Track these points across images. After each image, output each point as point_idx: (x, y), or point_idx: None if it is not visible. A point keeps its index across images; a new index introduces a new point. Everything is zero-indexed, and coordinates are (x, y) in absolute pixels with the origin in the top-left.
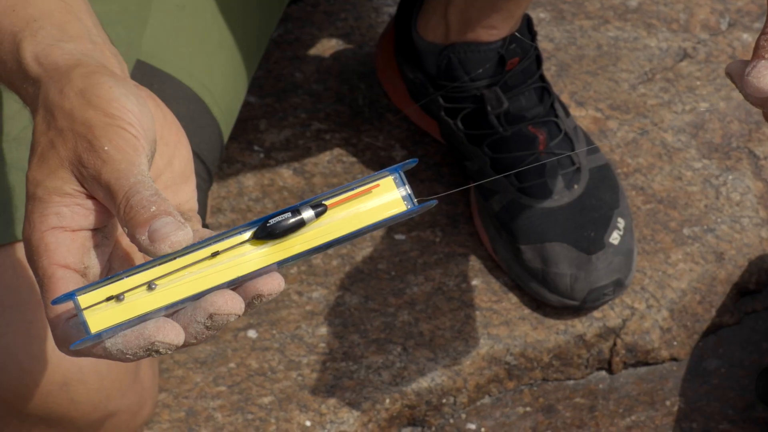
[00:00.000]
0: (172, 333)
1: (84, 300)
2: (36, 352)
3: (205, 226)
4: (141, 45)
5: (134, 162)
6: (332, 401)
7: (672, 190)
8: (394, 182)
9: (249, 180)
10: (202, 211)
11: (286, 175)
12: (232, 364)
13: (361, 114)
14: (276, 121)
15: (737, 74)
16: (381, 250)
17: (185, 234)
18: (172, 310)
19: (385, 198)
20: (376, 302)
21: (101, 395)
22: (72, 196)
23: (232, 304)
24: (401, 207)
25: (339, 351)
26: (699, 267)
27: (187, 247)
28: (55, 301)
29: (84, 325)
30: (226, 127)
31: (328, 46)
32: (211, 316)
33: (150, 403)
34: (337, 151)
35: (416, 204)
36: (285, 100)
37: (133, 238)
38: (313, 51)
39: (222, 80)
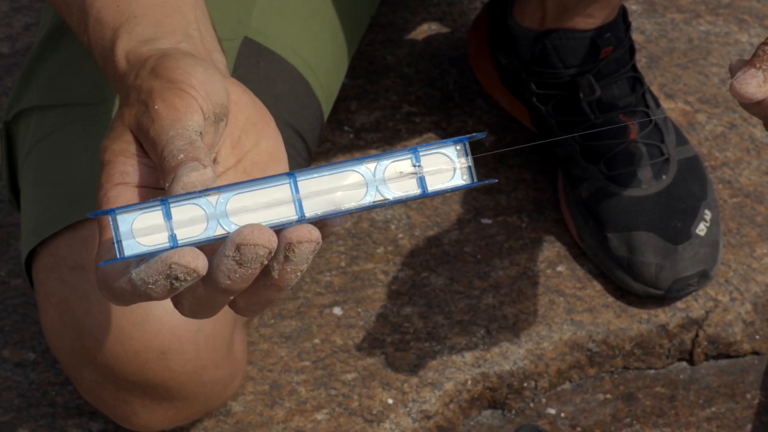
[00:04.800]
0: (190, 256)
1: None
2: (136, 319)
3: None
4: (250, 22)
5: (180, 119)
6: (415, 380)
7: (759, 184)
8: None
9: (338, 159)
10: None
11: None
12: (316, 340)
13: (452, 98)
14: (367, 102)
15: (733, 74)
16: (467, 233)
17: (199, 175)
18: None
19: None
20: (461, 284)
21: (197, 366)
22: (137, 156)
23: (259, 235)
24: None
25: (423, 331)
26: None
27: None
28: (93, 214)
29: (118, 244)
30: (327, 107)
31: (420, 30)
32: (238, 248)
33: (240, 376)
34: (426, 134)
35: (475, 180)
36: (376, 82)
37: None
38: (405, 34)
39: (325, 60)
